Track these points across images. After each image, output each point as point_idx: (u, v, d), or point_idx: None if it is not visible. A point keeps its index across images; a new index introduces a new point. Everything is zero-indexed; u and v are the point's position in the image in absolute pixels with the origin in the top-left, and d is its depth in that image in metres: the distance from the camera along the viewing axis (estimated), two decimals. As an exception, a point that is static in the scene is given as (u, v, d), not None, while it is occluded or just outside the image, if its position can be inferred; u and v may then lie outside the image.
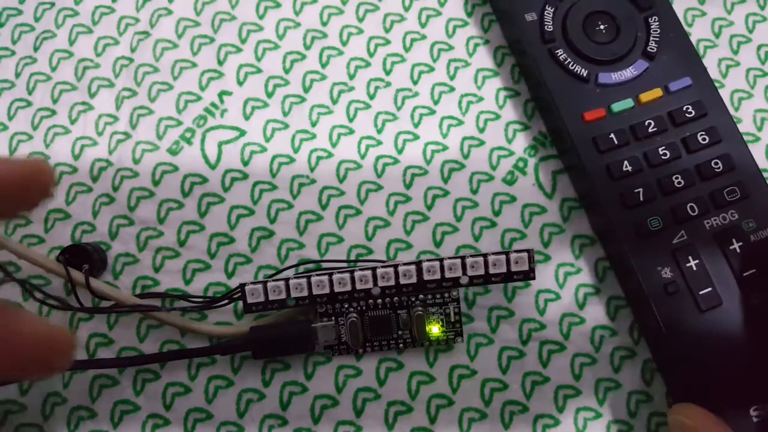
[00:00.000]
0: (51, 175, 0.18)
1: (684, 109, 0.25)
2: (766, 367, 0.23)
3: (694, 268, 0.24)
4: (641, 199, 0.24)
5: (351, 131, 0.28)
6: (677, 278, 0.24)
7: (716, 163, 0.25)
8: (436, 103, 0.28)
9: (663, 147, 0.25)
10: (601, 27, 0.26)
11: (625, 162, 0.25)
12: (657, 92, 0.26)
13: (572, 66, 0.26)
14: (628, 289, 0.26)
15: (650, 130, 0.25)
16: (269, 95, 0.28)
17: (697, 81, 0.26)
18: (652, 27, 0.26)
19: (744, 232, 0.24)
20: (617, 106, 0.26)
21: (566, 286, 0.26)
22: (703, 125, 0.25)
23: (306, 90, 0.28)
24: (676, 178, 0.25)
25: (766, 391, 0.23)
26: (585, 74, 0.26)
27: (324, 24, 0.29)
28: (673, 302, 0.24)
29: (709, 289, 0.24)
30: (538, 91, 0.27)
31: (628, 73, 0.26)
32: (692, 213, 0.24)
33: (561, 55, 0.26)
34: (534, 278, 0.24)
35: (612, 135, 0.25)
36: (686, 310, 0.23)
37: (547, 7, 0.27)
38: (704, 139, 0.25)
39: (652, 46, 0.26)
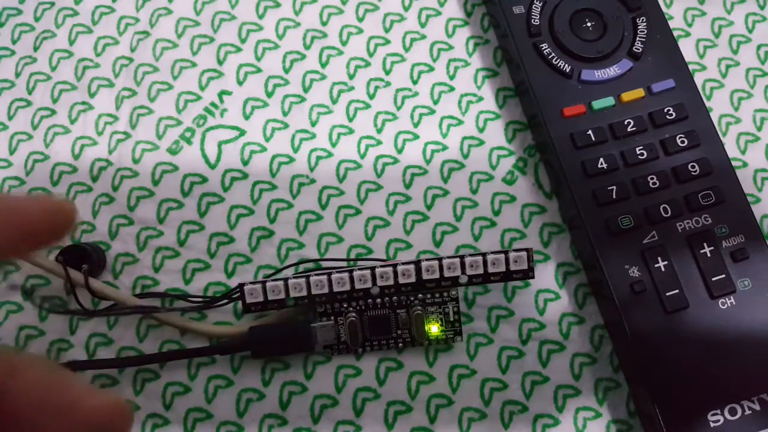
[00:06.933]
0: (71, 216, 0.18)
1: (665, 110, 0.25)
2: (725, 373, 0.23)
3: (663, 269, 0.24)
4: (614, 197, 0.24)
5: (351, 131, 0.28)
6: (644, 278, 0.24)
7: (693, 167, 0.25)
8: (435, 102, 0.28)
9: (641, 147, 0.25)
10: (588, 24, 0.26)
11: (601, 159, 0.25)
12: (639, 92, 0.26)
13: (556, 61, 0.26)
14: (594, 283, 0.26)
15: (629, 129, 0.25)
16: (269, 95, 0.28)
17: (680, 83, 0.26)
18: (639, 27, 0.26)
19: (716, 237, 0.24)
20: (598, 104, 0.26)
21: (566, 285, 0.26)
22: (683, 128, 0.25)
23: (306, 90, 0.28)
24: (652, 178, 0.25)
25: (723, 397, 0.23)
26: (568, 70, 0.26)
27: (324, 24, 0.29)
28: (639, 301, 0.24)
29: (676, 291, 0.24)
30: (520, 85, 0.27)
31: (612, 71, 0.26)
32: (665, 214, 0.24)
33: (545, 49, 0.26)
34: (533, 277, 0.24)
35: (590, 132, 0.25)
36: (651, 310, 0.23)
37: (535, 1, 0.27)
38: (683, 142, 0.25)
39: (638, 47, 0.26)
